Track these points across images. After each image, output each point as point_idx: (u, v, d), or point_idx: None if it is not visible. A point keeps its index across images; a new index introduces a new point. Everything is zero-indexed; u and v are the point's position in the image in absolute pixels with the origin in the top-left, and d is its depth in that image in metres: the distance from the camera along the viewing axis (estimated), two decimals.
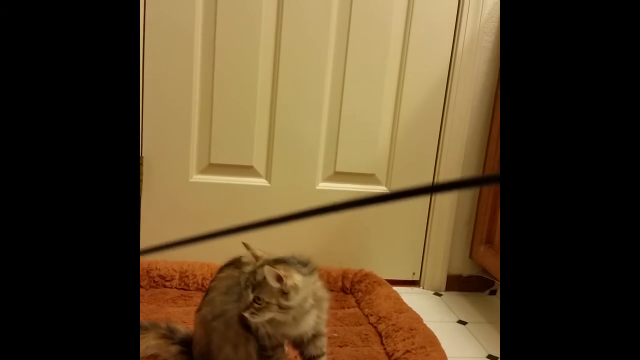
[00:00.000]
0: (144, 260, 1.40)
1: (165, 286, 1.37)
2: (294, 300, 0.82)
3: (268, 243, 0.93)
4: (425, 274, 1.64)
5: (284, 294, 0.81)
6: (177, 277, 1.38)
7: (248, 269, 0.86)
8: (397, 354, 1.09)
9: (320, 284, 0.90)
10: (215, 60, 1.43)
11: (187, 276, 1.38)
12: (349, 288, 1.46)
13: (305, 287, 0.84)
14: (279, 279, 0.80)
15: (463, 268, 1.65)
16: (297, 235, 1.55)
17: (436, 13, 1.49)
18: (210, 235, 0.47)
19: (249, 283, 0.83)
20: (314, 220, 1.56)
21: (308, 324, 0.87)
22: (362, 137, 1.54)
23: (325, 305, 0.90)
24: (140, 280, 1.35)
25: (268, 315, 0.82)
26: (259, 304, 0.81)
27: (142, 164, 1.45)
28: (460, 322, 1.42)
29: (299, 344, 0.91)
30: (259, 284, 0.82)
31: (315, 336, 0.90)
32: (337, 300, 1.40)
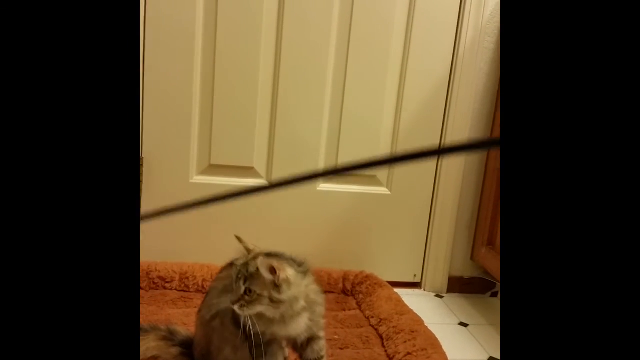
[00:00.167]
0: (144, 261, 1.40)
1: (165, 288, 1.36)
2: (286, 294, 0.81)
3: (269, 243, 0.93)
4: (427, 275, 1.63)
5: (276, 286, 0.80)
6: (177, 278, 1.37)
7: (240, 262, 0.84)
8: (398, 356, 1.09)
9: (315, 287, 0.89)
10: (216, 60, 1.43)
11: (187, 278, 1.38)
12: (349, 290, 1.46)
13: (297, 285, 0.83)
14: (272, 271, 0.80)
15: (464, 270, 1.65)
16: (298, 235, 1.55)
17: (438, 13, 1.49)
18: (210, 200, 0.46)
19: (240, 275, 0.82)
20: (316, 222, 1.56)
21: (299, 326, 0.85)
22: (364, 138, 1.54)
23: (320, 310, 0.89)
24: (140, 281, 1.35)
25: (258, 308, 0.81)
26: (250, 297, 0.80)
27: (142, 165, 1.45)
28: (462, 324, 1.41)
29: (296, 347, 0.90)
30: (251, 276, 0.81)
31: (311, 339, 0.89)
32: (337, 302, 1.39)
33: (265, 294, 0.80)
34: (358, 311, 1.36)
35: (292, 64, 1.46)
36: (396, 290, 1.43)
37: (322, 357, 0.91)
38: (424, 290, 1.63)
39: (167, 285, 1.37)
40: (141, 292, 1.33)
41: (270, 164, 1.51)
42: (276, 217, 1.54)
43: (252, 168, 1.51)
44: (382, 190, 1.59)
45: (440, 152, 0.34)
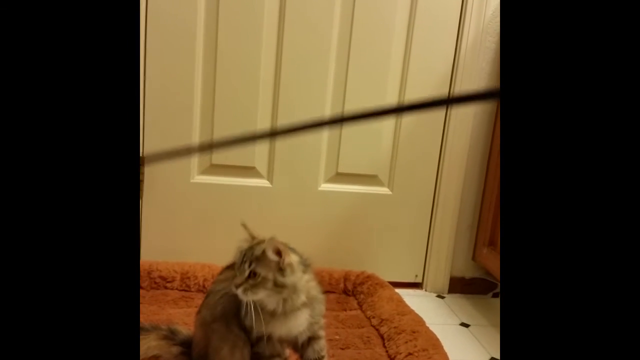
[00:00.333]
0: (145, 261, 1.40)
1: (166, 287, 1.36)
2: (289, 278, 0.82)
3: None
4: (428, 276, 1.63)
5: (280, 270, 0.82)
6: (178, 278, 1.37)
7: (245, 246, 0.85)
8: (399, 357, 1.08)
9: (315, 284, 0.89)
10: (217, 59, 1.43)
11: (189, 277, 1.38)
12: (351, 290, 1.46)
13: (299, 277, 0.84)
14: (278, 253, 0.81)
15: (466, 270, 1.64)
16: (299, 235, 1.54)
17: (440, 12, 1.48)
18: (215, 145, 0.46)
19: (246, 258, 0.82)
20: (317, 221, 1.56)
21: (300, 323, 0.86)
22: (365, 138, 1.54)
23: (320, 308, 0.89)
24: (142, 281, 1.34)
25: (261, 293, 0.81)
26: (254, 280, 0.81)
27: (143, 164, 1.45)
28: (463, 324, 1.41)
29: (297, 347, 0.90)
30: (256, 259, 0.82)
31: (312, 339, 0.89)
32: (339, 302, 1.39)
33: (270, 276, 0.81)
34: (359, 311, 1.35)
35: (293, 63, 1.46)
36: (397, 290, 1.43)
37: (322, 357, 0.90)
38: (425, 290, 1.63)
39: (168, 284, 1.36)
40: (142, 291, 1.33)
41: (272, 163, 1.51)
42: (277, 217, 1.53)
43: (253, 168, 1.51)
44: (384, 190, 1.58)
45: (448, 101, 0.33)
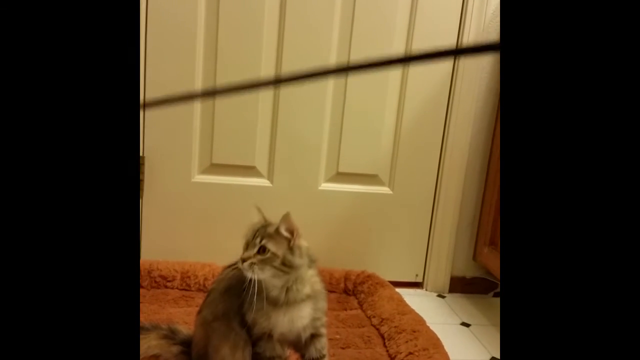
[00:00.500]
0: (146, 260, 1.40)
1: (166, 287, 1.36)
2: (297, 260, 0.83)
3: None
4: (429, 275, 1.63)
5: (290, 249, 0.83)
6: (178, 277, 1.37)
7: (259, 225, 0.86)
8: (399, 356, 1.08)
9: (319, 280, 0.90)
10: (218, 59, 1.43)
11: (189, 277, 1.38)
12: (351, 289, 1.46)
13: (306, 265, 0.85)
14: (290, 232, 0.83)
15: (466, 270, 1.64)
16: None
17: (440, 11, 1.48)
18: (217, 91, 0.46)
19: (258, 234, 0.83)
20: (317, 221, 1.56)
21: (303, 315, 0.85)
22: (365, 138, 1.54)
23: (322, 304, 0.89)
24: (142, 280, 1.35)
25: (267, 272, 0.81)
26: (262, 255, 0.81)
27: (143, 164, 1.45)
28: (464, 324, 1.41)
29: (299, 345, 0.90)
30: (268, 235, 0.82)
31: (314, 337, 0.89)
32: (339, 302, 1.39)
33: (279, 253, 0.82)
34: (359, 311, 1.35)
35: (293, 62, 1.46)
36: (398, 290, 1.43)
37: (324, 355, 0.90)
38: (426, 290, 1.63)
39: (168, 284, 1.37)
40: (142, 290, 1.33)
41: (272, 163, 1.51)
42: (277, 216, 1.53)
43: (253, 167, 1.51)
44: (384, 189, 1.58)
45: (456, 52, 0.33)
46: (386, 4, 1.46)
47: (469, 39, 1.49)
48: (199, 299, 1.06)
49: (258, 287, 0.81)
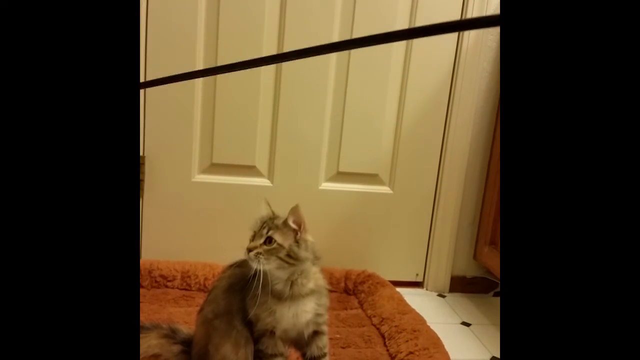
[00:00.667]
0: (146, 260, 1.40)
1: (167, 286, 1.36)
2: (303, 253, 0.84)
3: None
4: (429, 275, 1.63)
5: (296, 242, 0.84)
6: (178, 277, 1.37)
7: (267, 217, 0.87)
8: (400, 356, 1.08)
9: (322, 277, 0.90)
10: (218, 59, 1.43)
11: (189, 276, 1.38)
12: (351, 289, 1.46)
13: (311, 260, 0.86)
14: (299, 224, 0.84)
15: (467, 269, 1.64)
16: None
17: (440, 12, 1.48)
18: (219, 69, 0.46)
19: (265, 225, 0.84)
20: (317, 221, 1.55)
21: (306, 310, 0.86)
22: (366, 137, 1.54)
23: (325, 300, 0.89)
24: (142, 280, 1.35)
25: (273, 263, 0.82)
26: (269, 246, 0.82)
27: (144, 164, 1.45)
28: (464, 323, 1.41)
29: (300, 343, 0.90)
30: (275, 227, 0.84)
31: (316, 334, 0.89)
32: (339, 302, 1.39)
33: (286, 245, 0.83)
34: (360, 310, 1.35)
35: (293, 63, 1.46)
36: (398, 289, 1.43)
37: (325, 354, 0.90)
38: (426, 289, 1.63)
39: (168, 283, 1.37)
40: (143, 290, 1.33)
41: (272, 162, 1.51)
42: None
43: (254, 167, 1.51)
44: (384, 189, 1.58)
45: (460, 26, 0.33)
46: (386, 5, 1.46)
47: (469, 37, 1.49)
48: (200, 298, 1.06)
49: (263, 280, 0.82)
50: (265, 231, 0.83)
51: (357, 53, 1.48)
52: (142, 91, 1.41)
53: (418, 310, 1.28)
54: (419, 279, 1.65)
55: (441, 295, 1.60)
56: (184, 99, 1.43)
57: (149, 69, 1.40)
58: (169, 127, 1.44)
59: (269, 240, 0.83)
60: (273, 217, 0.87)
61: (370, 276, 1.46)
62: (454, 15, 1.49)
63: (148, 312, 1.20)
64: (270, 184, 1.52)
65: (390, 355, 1.12)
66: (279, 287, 0.84)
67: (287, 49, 1.44)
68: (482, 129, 1.56)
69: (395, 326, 1.19)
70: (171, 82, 0.49)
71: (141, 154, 1.44)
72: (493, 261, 1.48)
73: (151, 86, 0.52)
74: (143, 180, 1.46)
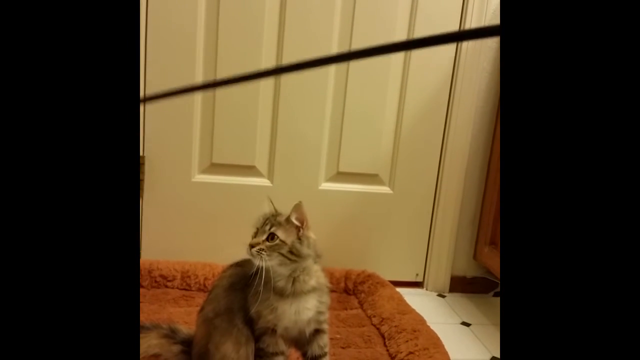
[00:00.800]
0: (146, 260, 1.40)
1: (167, 286, 1.36)
2: (305, 250, 0.85)
3: None
4: (429, 275, 1.63)
5: (299, 239, 0.85)
6: (178, 277, 1.37)
7: (270, 214, 0.88)
8: (400, 356, 1.08)
9: (323, 275, 0.90)
10: (218, 59, 1.43)
11: (189, 276, 1.38)
12: (351, 289, 1.46)
13: (313, 257, 0.86)
14: (301, 221, 0.85)
15: (467, 269, 1.64)
16: None
17: (440, 12, 1.48)
18: (218, 83, 0.47)
19: (267, 222, 0.85)
20: (317, 221, 1.55)
21: (308, 307, 0.86)
22: (366, 137, 1.54)
23: (326, 298, 0.90)
24: (142, 280, 1.35)
25: (275, 259, 0.83)
26: (271, 242, 0.83)
27: (144, 164, 1.45)
28: (464, 323, 1.41)
29: (301, 342, 0.90)
30: (278, 223, 0.84)
31: (318, 332, 0.89)
32: (339, 302, 1.39)
33: (288, 241, 0.83)
34: (360, 310, 1.35)
35: (294, 61, 1.45)
36: (398, 289, 1.43)
37: (325, 353, 0.90)
38: (426, 289, 1.63)
39: (168, 283, 1.37)
40: (143, 290, 1.33)
41: (272, 162, 1.51)
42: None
43: (253, 167, 1.51)
44: (384, 189, 1.58)
45: (458, 37, 0.33)
46: (386, 5, 1.46)
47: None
48: (199, 298, 1.06)
49: (265, 277, 0.82)
50: (267, 227, 0.84)
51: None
52: (141, 91, 1.41)
53: (418, 310, 1.28)
54: (419, 279, 1.65)
55: (441, 295, 1.60)
56: (184, 99, 1.43)
57: (149, 69, 1.40)
58: (168, 127, 1.44)
59: (271, 236, 0.83)
60: (276, 214, 0.87)
61: (370, 276, 1.46)
62: (454, 15, 1.49)
63: (148, 312, 1.20)
64: (270, 184, 1.52)
65: (390, 355, 1.12)
66: (281, 283, 0.84)
67: (287, 48, 1.44)
68: (482, 129, 1.56)
69: (395, 326, 1.19)
70: (171, 96, 0.49)
71: (141, 153, 1.44)
72: (493, 261, 1.48)
73: (152, 100, 0.52)
74: (143, 180, 1.46)
